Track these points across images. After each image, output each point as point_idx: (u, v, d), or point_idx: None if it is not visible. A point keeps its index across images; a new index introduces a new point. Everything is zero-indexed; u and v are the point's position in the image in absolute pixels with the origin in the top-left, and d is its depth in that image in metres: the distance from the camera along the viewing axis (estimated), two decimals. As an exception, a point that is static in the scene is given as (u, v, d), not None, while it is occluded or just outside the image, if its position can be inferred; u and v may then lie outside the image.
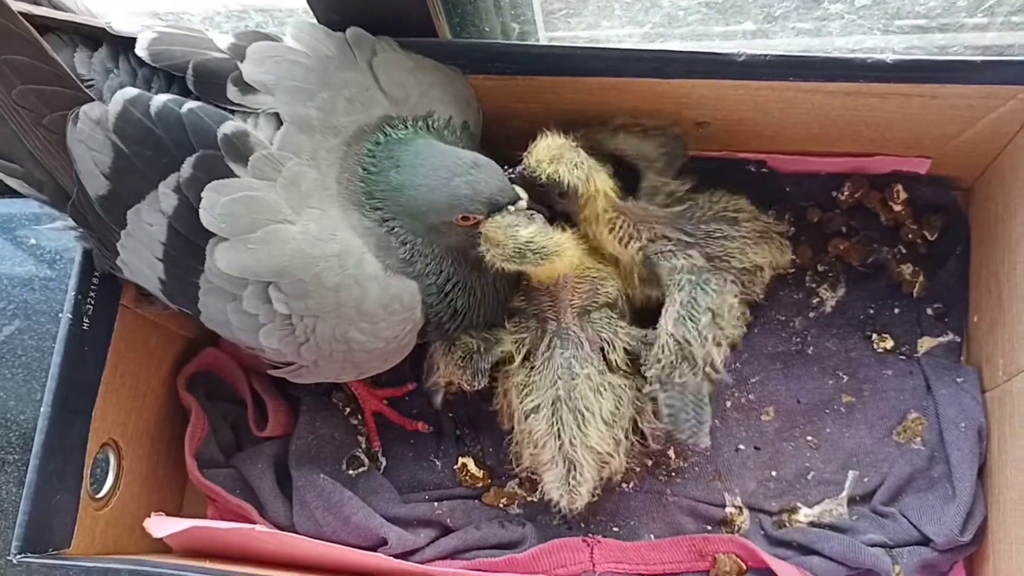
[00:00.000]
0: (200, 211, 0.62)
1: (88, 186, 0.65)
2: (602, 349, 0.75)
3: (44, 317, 0.95)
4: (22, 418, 0.92)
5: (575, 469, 0.73)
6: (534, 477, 0.79)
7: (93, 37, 0.68)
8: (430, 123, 0.70)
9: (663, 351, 0.74)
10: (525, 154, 0.72)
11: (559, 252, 0.70)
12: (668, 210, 0.80)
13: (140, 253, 0.67)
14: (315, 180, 0.65)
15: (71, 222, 0.69)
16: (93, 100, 0.64)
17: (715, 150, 0.85)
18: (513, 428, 0.77)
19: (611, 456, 0.74)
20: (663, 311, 0.75)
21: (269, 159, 0.63)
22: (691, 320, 0.74)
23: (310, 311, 0.65)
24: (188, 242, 0.64)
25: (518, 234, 0.68)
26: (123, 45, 0.67)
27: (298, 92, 0.66)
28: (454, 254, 0.70)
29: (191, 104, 0.63)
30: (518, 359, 0.76)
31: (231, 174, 0.62)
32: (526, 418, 0.75)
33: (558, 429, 0.73)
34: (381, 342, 0.69)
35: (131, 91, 0.63)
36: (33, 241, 0.99)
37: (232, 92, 0.65)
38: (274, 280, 0.64)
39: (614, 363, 0.75)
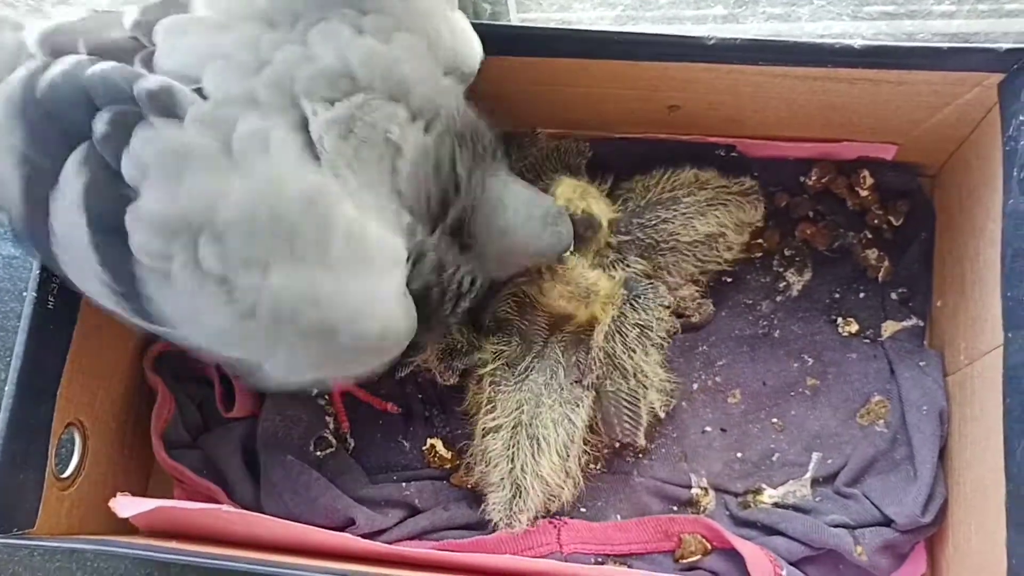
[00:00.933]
0: (122, 161, 0.54)
1: (5, 184, 0.59)
2: (578, 381, 0.78)
3: (8, 296, 0.93)
4: (-15, 397, 0.91)
5: (520, 496, 0.75)
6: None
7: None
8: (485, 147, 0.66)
9: (595, 363, 0.77)
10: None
11: (601, 299, 0.76)
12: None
13: (77, 264, 0.60)
14: (292, 140, 0.56)
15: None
16: None
17: (685, 134, 0.85)
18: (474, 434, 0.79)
19: (560, 488, 0.76)
20: (597, 326, 0.78)
21: (216, 114, 0.55)
22: (619, 334, 0.77)
23: (256, 258, 0.55)
24: (114, 227, 0.55)
25: (588, 276, 0.76)
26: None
27: (232, 69, 0.57)
28: (494, 274, 0.72)
29: (101, 66, 0.56)
30: (491, 367, 0.78)
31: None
32: (484, 435, 0.77)
33: (512, 453, 0.75)
34: (356, 303, 0.57)
35: (21, 71, 0.57)
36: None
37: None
38: (208, 229, 0.54)
39: (587, 386, 0.77)
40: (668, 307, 0.80)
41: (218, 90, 0.56)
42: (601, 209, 0.79)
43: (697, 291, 0.84)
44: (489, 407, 0.77)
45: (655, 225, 0.81)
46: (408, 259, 0.60)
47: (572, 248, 0.74)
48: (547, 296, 0.78)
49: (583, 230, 0.77)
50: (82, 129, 0.56)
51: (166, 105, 0.55)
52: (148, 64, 0.57)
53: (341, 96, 0.58)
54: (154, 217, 0.55)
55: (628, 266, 0.80)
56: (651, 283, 0.79)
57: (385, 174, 0.59)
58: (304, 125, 0.57)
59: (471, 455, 0.79)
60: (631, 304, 0.77)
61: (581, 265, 0.76)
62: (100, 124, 0.55)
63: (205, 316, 0.58)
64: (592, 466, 0.81)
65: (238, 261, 0.55)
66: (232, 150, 0.54)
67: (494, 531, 0.78)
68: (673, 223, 0.81)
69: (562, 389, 0.77)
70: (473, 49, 0.65)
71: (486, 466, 0.76)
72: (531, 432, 0.75)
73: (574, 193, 0.77)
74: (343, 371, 0.66)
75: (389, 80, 0.59)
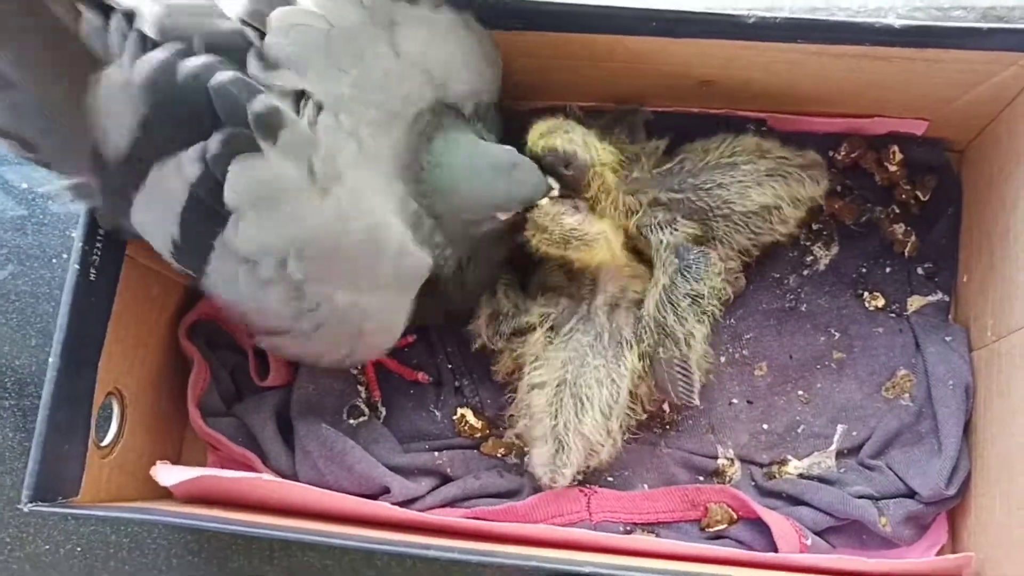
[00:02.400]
0: (225, 189, 0.62)
1: (111, 145, 0.63)
2: (620, 344, 0.77)
3: (37, 263, 0.94)
4: (16, 363, 0.91)
5: (563, 451, 0.76)
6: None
7: (100, 7, 0.64)
8: (464, 112, 0.71)
9: (646, 332, 0.77)
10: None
11: (599, 240, 0.74)
12: (656, 170, 0.81)
13: (156, 213, 0.66)
14: (353, 154, 0.64)
15: (69, 180, 0.67)
16: (112, 63, 0.62)
17: (717, 108, 0.85)
18: (509, 384, 0.80)
19: (600, 446, 0.77)
20: (647, 292, 0.79)
21: (301, 137, 0.62)
22: (671, 304, 0.77)
23: (328, 279, 0.66)
24: (209, 210, 0.64)
25: (564, 221, 0.72)
26: (130, 17, 0.63)
27: (329, 69, 0.64)
28: (475, 236, 0.73)
29: (222, 76, 0.61)
30: (540, 332, 0.78)
31: (258, 150, 0.61)
32: (529, 391, 0.77)
33: (555, 409, 0.76)
34: (392, 310, 0.70)
35: (159, 55, 0.61)
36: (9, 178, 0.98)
37: (254, 67, 0.62)
38: (292, 253, 0.64)
39: (628, 358, 0.77)
40: (720, 275, 0.79)
41: (318, 89, 0.64)
42: (579, 144, 0.74)
43: (739, 265, 0.83)
44: (536, 363, 0.78)
45: (709, 190, 0.79)
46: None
47: (554, 193, 0.73)
48: (534, 244, 0.75)
49: (563, 168, 0.74)
50: (206, 128, 0.62)
51: (271, 127, 0.61)
52: (260, 56, 0.63)
53: (414, 95, 0.68)
54: (247, 240, 0.64)
55: (677, 229, 0.79)
56: (702, 250, 0.79)
57: (414, 170, 0.69)
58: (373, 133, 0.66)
59: (515, 408, 0.80)
60: (682, 274, 0.77)
61: (557, 209, 0.73)
62: (214, 143, 0.62)
63: (274, 300, 0.67)
64: (631, 431, 0.81)
65: (312, 275, 0.66)
66: (315, 176, 0.63)
67: (526, 497, 0.80)
68: (728, 190, 0.79)
69: (607, 351, 0.77)
70: (496, 75, 0.74)
71: (530, 420, 0.77)
72: (575, 391, 0.75)
73: (538, 133, 0.74)
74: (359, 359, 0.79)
75: (455, 78, 0.70)
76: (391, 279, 0.68)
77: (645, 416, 0.81)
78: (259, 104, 0.61)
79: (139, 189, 0.65)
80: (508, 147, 0.71)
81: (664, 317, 0.77)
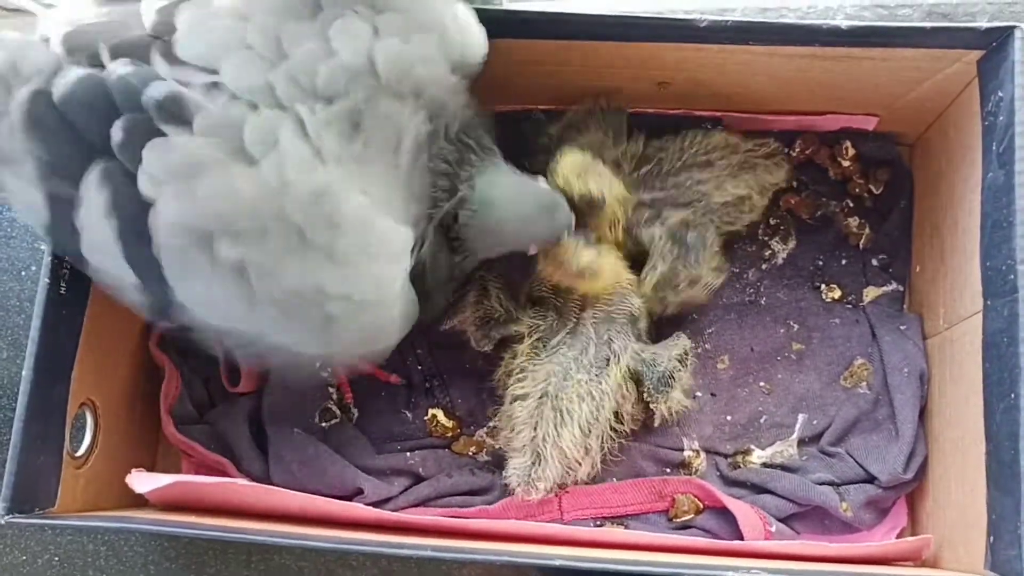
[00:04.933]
0: (138, 176, 0.58)
1: (31, 216, 0.62)
2: (607, 359, 0.79)
3: (6, 275, 0.94)
4: (-13, 376, 0.92)
5: (539, 464, 0.77)
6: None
7: None
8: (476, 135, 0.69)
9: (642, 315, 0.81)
10: (550, 173, 0.75)
11: (607, 273, 0.77)
12: (636, 173, 0.83)
13: (106, 264, 0.63)
14: (298, 134, 0.58)
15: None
16: None
17: (674, 108, 0.87)
18: (481, 386, 0.82)
19: (578, 464, 0.78)
20: (644, 276, 0.81)
21: (222, 120, 0.57)
22: (671, 287, 0.80)
23: (270, 253, 0.59)
24: (140, 229, 0.59)
25: (582, 257, 0.75)
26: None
27: (251, 62, 0.59)
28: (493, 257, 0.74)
29: (114, 69, 0.58)
30: (527, 343, 0.79)
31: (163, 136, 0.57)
32: (512, 402, 0.79)
33: (536, 421, 0.77)
34: (361, 293, 0.61)
35: (25, 90, 0.59)
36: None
37: (162, 68, 0.59)
38: (222, 227, 0.58)
39: (612, 375, 0.78)
40: (717, 251, 0.82)
41: (235, 82, 0.58)
42: (606, 184, 0.77)
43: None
44: (520, 375, 0.79)
45: (689, 186, 0.82)
46: (413, 249, 0.65)
47: (572, 228, 0.74)
48: (545, 275, 0.79)
49: (586, 209, 0.77)
50: (100, 138, 0.58)
51: (174, 113, 0.57)
52: (167, 54, 0.59)
53: (360, 92, 0.61)
54: (172, 224, 0.58)
55: (664, 221, 0.82)
56: (698, 233, 0.81)
57: (391, 167, 0.63)
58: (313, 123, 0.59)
59: (498, 419, 0.81)
60: (683, 261, 0.80)
61: (574, 244, 0.75)
62: (117, 132, 0.58)
63: (223, 302, 0.61)
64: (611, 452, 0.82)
65: (254, 258, 0.59)
66: (243, 153, 0.57)
67: (499, 498, 0.81)
68: (707, 185, 0.82)
69: (591, 366, 0.78)
70: (478, 41, 0.67)
71: (511, 431, 0.79)
72: (556, 404, 0.77)
73: (574, 172, 0.76)
74: (348, 353, 0.69)
75: (406, 80, 0.62)
76: (355, 251, 0.60)
77: (631, 431, 0.83)
78: (156, 89, 0.57)
79: (80, 243, 0.63)
80: (544, 182, 0.73)
81: (664, 296, 0.81)
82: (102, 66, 0.60)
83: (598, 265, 0.76)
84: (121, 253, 0.61)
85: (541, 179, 0.73)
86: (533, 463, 0.77)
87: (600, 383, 0.78)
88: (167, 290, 0.62)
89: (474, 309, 0.81)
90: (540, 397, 0.77)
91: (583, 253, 0.75)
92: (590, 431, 0.77)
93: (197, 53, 0.59)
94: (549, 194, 0.72)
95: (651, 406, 0.79)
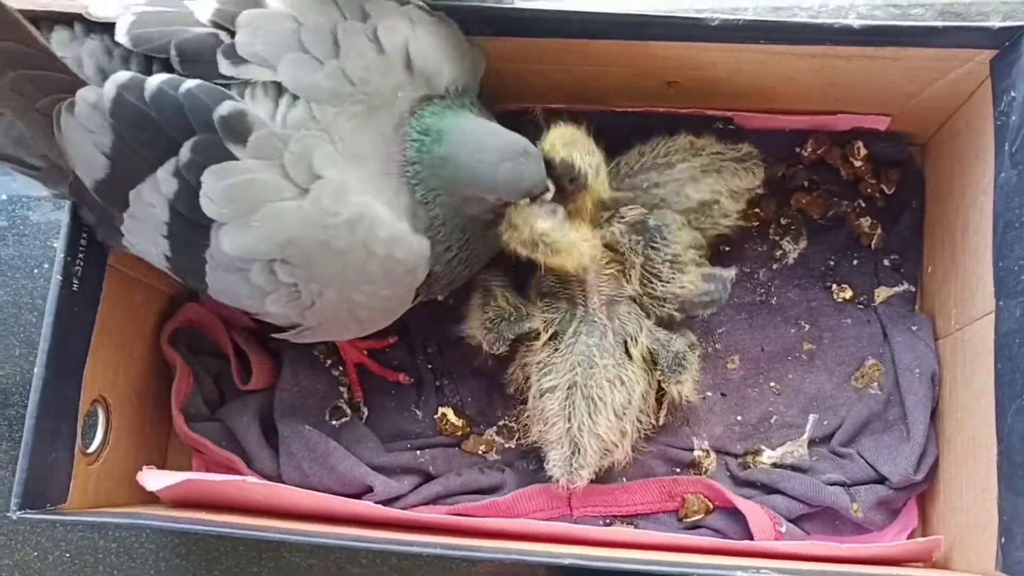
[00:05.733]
0: (200, 197, 0.63)
1: (85, 170, 0.65)
2: (625, 342, 0.78)
3: (19, 272, 0.95)
4: (1, 374, 0.93)
5: (579, 453, 0.76)
6: (513, 426, 0.85)
7: (70, 23, 0.66)
8: (467, 99, 0.72)
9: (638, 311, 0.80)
10: (539, 141, 0.73)
11: (569, 250, 0.73)
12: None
13: (144, 232, 0.68)
14: (329, 153, 0.64)
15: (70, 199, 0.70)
16: (86, 84, 0.64)
17: (684, 107, 0.87)
18: (521, 396, 0.81)
19: (615, 446, 0.78)
20: (629, 278, 0.80)
21: (271, 137, 0.63)
22: (654, 276, 0.79)
23: (316, 278, 0.66)
24: (192, 223, 0.65)
25: (536, 224, 0.71)
26: (103, 30, 0.66)
27: (300, 61, 0.65)
28: (468, 221, 0.72)
29: (189, 84, 0.62)
30: (544, 337, 0.79)
31: (230, 156, 0.62)
32: (541, 396, 0.78)
33: (569, 412, 0.76)
34: (382, 301, 0.70)
35: (124, 74, 0.63)
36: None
37: (224, 66, 0.64)
38: (278, 257, 0.65)
39: (635, 357, 0.78)
40: (683, 228, 0.81)
41: (292, 82, 0.64)
42: (593, 163, 0.75)
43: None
44: (544, 369, 0.78)
45: (647, 189, 0.81)
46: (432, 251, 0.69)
47: (548, 195, 0.72)
48: (505, 239, 0.73)
49: (565, 179, 0.74)
50: (178, 140, 0.63)
51: (237, 130, 0.62)
52: (230, 55, 0.64)
53: (395, 88, 0.67)
54: (232, 248, 0.64)
55: (623, 217, 0.80)
56: (657, 216, 0.80)
57: (392, 158, 0.68)
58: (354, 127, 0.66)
59: (527, 416, 0.81)
60: (651, 247, 0.79)
61: (532, 210, 0.71)
62: (184, 153, 0.63)
63: (270, 304, 0.69)
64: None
65: (302, 277, 0.66)
66: (288, 174, 0.63)
67: (508, 493, 0.82)
68: (664, 188, 0.81)
69: (614, 349, 0.78)
70: (482, 53, 0.74)
71: (544, 425, 0.78)
72: (586, 393, 0.76)
73: (562, 140, 0.74)
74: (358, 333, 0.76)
75: (432, 73, 0.69)
76: (385, 271, 0.67)
77: (661, 420, 0.83)
78: (225, 108, 0.62)
79: (124, 212, 0.67)
80: (519, 135, 0.70)
81: (653, 287, 0.79)
82: (171, 68, 0.64)
83: (554, 238, 0.72)
84: (167, 233, 0.67)
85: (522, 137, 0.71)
86: (572, 453, 0.77)
87: (626, 367, 0.77)
88: (202, 280, 0.69)
89: (481, 311, 0.80)
90: (569, 388, 0.77)
91: (542, 220, 0.71)
92: (624, 415, 0.77)
93: (256, 52, 0.64)
94: (520, 141, 0.70)
95: (663, 386, 0.79)
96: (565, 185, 0.74)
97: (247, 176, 0.63)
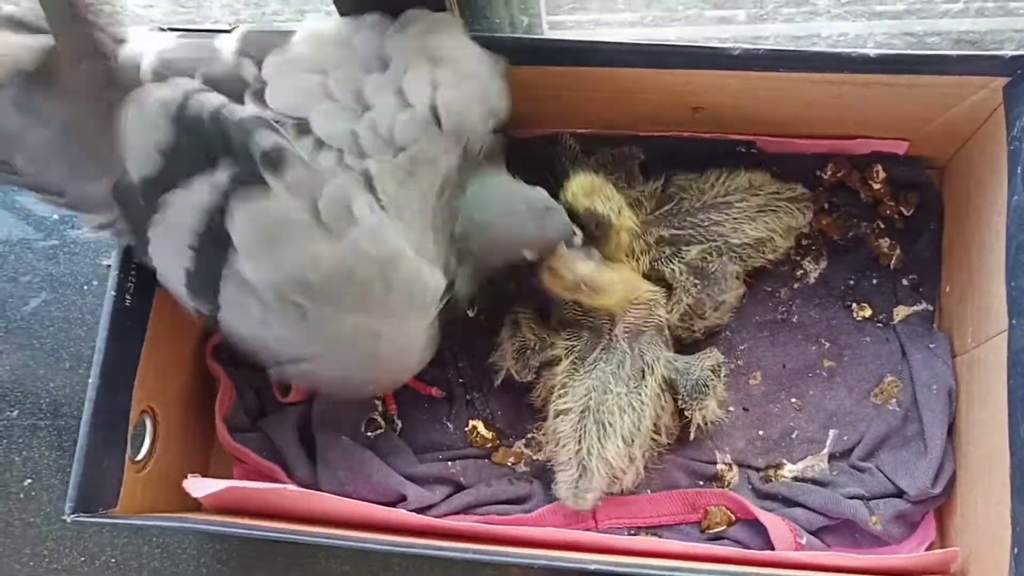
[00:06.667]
0: (231, 229, 0.64)
1: (139, 165, 0.67)
2: (642, 370, 0.81)
3: (69, 289, 0.99)
4: (51, 386, 0.96)
5: (586, 476, 0.79)
6: (541, 439, 0.86)
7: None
8: (487, 154, 0.74)
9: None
10: (561, 191, 0.78)
11: (610, 290, 0.78)
12: (657, 212, 0.87)
13: (170, 243, 0.69)
14: (370, 202, 0.66)
15: (102, 218, 0.72)
16: (144, 81, 0.67)
17: (708, 132, 0.90)
18: (547, 415, 0.84)
19: (623, 472, 0.81)
20: (670, 308, 0.85)
21: (306, 176, 0.64)
22: (697, 316, 0.85)
23: (332, 306, 0.67)
24: (220, 234, 0.65)
25: (577, 269, 0.76)
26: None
27: (335, 112, 0.67)
28: (487, 269, 0.76)
29: (244, 112, 0.65)
30: (565, 363, 0.82)
31: (264, 183, 0.64)
32: (555, 416, 0.82)
33: (580, 435, 0.80)
34: (399, 338, 0.71)
35: (191, 83, 0.66)
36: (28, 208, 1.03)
37: (252, 109, 0.66)
38: (300, 289, 0.66)
39: (649, 385, 0.81)
40: (739, 278, 0.86)
41: (322, 130, 0.66)
42: (614, 207, 0.80)
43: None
44: (561, 391, 0.82)
45: (707, 227, 0.86)
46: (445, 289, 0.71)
47: (576, 240, 0.77)
48: (547, 287, 0.79)
49: (594, 229, 0.79)
50: (218, 158, 0.65)
51: (276, 163, 0.64)
52: (259, 100, 0.67)
53: (424, 140, 0.68)
54: (255, 278, 0.65)
55: (683, 257, 0.85)
56: (721, 263, 0.85)
57: (429, 211, 0.70)
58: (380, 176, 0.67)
59: (543, 434, 0.84)
60: (707, 294, 0.84)
61: (572, 256, 0.76)
62: (222, 176, 0.64)
63: (280, 331, 0.69)
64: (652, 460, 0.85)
65: (322, 306, 0.67)
66: (320, 216, 0.64)
67: (536, 507, 0.84)
68: (724, 226, 0.86)
69: (629, 378, 0.81)
70: (504, 92, 0.74)
71: (555, 446, 0.81)
72: (598, 417, 0.79)
73: (581, 190, 0.79)
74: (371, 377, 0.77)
75: (459, 126, 0.70)
76: (404, 305, 0.69)
77: (668, 444, 0.86)
78: (266, 140, 0.64)
79: (154, 221, 0.68)
80: (542, 190, 0.75)
81: (691, 324, 0.85)
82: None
83: (599, 279, 0.77)
84: (190, 243, 0.67)
85: (541, 190, 0.75)
86: (580, 475, 0.80)
87: (639, 394, 0.80)
88: (214, 303, 0.69)
89: (510, 343, 0.84)
90: (582, 412, 0.80)
91: (581, 265, 0.76)
92: (633, 441, 0.80)
93: (286, 103, 0.67)
94: (541, 199, 0.75)
95: (686, 413, 0.82)
96: (592, 231, 0.79)
97: (278, 211, 0.64)
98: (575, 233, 0.77)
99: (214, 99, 0.65)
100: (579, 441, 0.80)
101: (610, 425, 0.79)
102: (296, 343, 0.70)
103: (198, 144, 0.65)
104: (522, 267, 0.78)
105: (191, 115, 0.65)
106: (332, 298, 0.66)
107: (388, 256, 0.66)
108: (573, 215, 0.78)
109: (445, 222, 0.71)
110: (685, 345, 0.87)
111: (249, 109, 0.66)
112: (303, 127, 0.66)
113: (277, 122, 0.66)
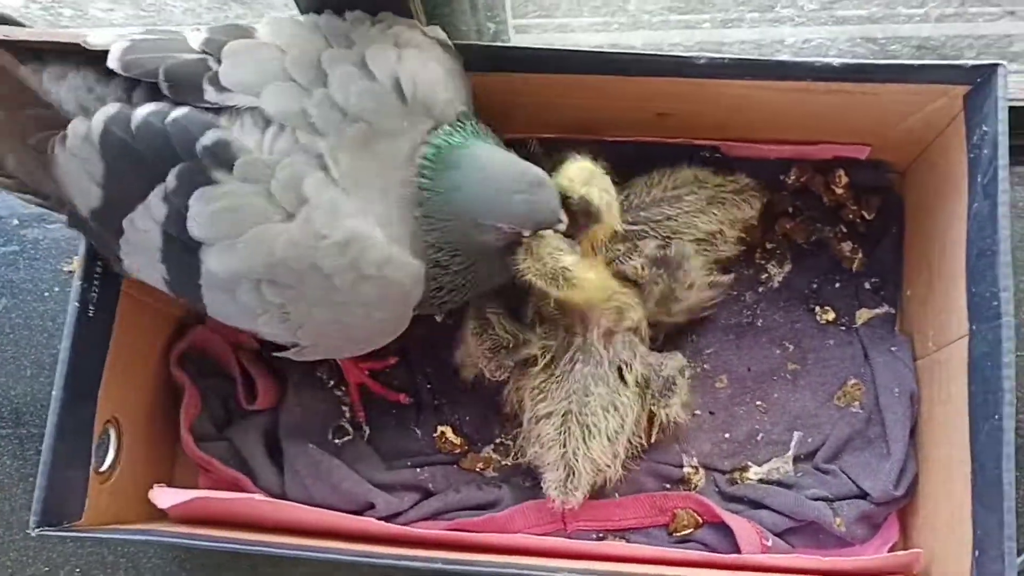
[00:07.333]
0: (187, 221, 0.65)
1: (80, 201, 0.68)
2: (620, 368, 0.82)
3: (30, 296, 0.98)
4: (12, 393, 0.95)
5: (574, 476, 0.80)
6: (509, 444, 0.88)
7: (67, 53, 0.69)
8: (472, 123, 0.71)
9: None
10: (554, 174, 0.74)
11: (583, 287, 0.75)
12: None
13: (143, 258, 0.70)
14: (320, 179, 0.65)
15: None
16: (71, 119, 0.66)
17: (673, 137, 0.90)
18: (514, 416, 0.85)
19: (608, 467, 0.81)
20: (644, 299, 0.85)
21: (256, 164, 0.64)
22: (675, 300, 0.85)
23: (305, 299, 0.67)
24: (183, 245, 0.66)
25: (560, 259, 0.72)
26: (93, 61, 0.68)
27: (286, 90, 0.66)
28: (476, 247, 0.72)
29: (175, 114, 0.64)
30: (541, 364, 0.82)
31: (214, 182, 0.64)
32: (537, 422, 0.82)
33: (564, 438, 0.80)
34: (376, 322, 0.71)
35: (111, 108, 0.65)
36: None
37: (210, 93, 0.65)
38: (265, 278, 0.66)
39: (629, 382, 0.81)
40: (694, 254, 0.86)
41: (274, 108, 0.65)
42: (609, 201, 0.75)
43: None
44: (540, 396, 0.82)
45: (659, 222, 0.86)
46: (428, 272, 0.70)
47: (561, 227, 0.71)
48: (522, 269, 0.73)
49: (581, 216, 0.74)
50: (165, 168, 0.65)
51: (222, 157, 0.64)
52: (215, 83, 0.66)
53: (383, 112, 0.68)
54: (219, 268, 0.66)
55: (641, 252, 0.85)
56: (677, 248, 0.85)
57: (391, 186, 0.68)
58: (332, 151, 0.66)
59: (523, 438, 0.84)
60: (672, 276, 0.84)
61: (557, 244, 0.72)
62: (171, 179, 0.65)
63: (262, 324, 0.70)
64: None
65: (290, 296, 0.67)
66: (274, 199, 0.64)
67: (504, 508, 0.85)
68: (676, 220, 0.86)
69: (608, 377, 0.81)
70: (470, 94, 0.74)
71: (540, 448, 0.81)
72: (581, 420, 0.80)
73: (580, 177, 0.74)
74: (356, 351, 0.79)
75: (428, 101, 0.69)
76: (378, 293, 0.68)
77: (652, 440, 0.86)
78: (209, 137, 0.64)
79: (121, 242, 0.69)
80: (533, 165, 0.70)
81: (669, 308, 0.86)
82: (161, 94, 0.66)
83: (578, 274, 0.73)
84: (161, 258, 0.69)
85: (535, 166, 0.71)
86: (567, 476, 0.80)
87: (619, 394, 0.81)
88: (200, 300, 0.70)
89: (479, 341, 0.82)
90: (564, 415, 0.80)
91: (561, 255, 0.72)
92: (617, 439, 0.80)
93: (239, 80, 0.66)
94: (534, 172, 0.70)
95: (653, 409, 0.83)
96: (579, 219, 0.75)
97: (233, 200, 0.64)
98: (562, 221, 0.71)
99: (141, 112, 0.65)
100: (564, 444, 0.80)
101: (595, 426, 0.80)
102: (282, 337, 0.71)
103: (139, 165, 0.65)
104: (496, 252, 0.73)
105: (116, 140, 0.65)
106: (300, 285, 0.66)
107: (347, 237, 0.65)
108: (564, 201, 0.72)
109: (411, 198, 0.69)
110: (666, 338, 0.89)
111: (182, 109, 0.65)
112: (259, 113, 0.65)
113: (232, 108, 0.65)
